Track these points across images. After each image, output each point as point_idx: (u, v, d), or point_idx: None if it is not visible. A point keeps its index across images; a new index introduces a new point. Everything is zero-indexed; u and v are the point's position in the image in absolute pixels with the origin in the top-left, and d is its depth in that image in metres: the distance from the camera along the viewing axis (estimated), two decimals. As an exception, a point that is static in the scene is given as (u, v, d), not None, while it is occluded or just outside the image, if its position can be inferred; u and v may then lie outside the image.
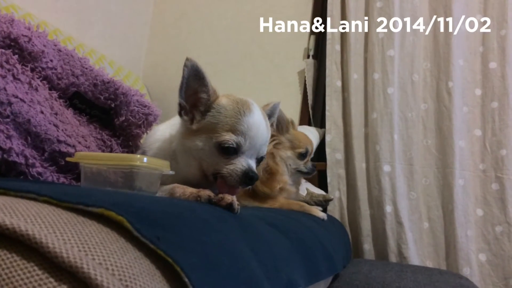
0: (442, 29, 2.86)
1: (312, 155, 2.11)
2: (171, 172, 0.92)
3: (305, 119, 3.22)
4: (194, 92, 1.09)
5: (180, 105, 1.10)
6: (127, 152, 1.24)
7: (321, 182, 2.93)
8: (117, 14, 3.32)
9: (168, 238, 0.54)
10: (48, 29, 2.35)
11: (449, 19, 2.82)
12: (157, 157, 1.13)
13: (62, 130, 0.98)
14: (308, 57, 3.24)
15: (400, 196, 2.72)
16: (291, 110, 3.25)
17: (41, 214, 0.50)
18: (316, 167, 2.06)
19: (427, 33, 2.90)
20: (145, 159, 0.80)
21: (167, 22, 3.72)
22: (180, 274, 0.50)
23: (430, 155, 2.78)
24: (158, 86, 3.36)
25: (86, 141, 1.05)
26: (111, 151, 1.18)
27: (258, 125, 1.09)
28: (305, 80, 3.19)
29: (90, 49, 2.73)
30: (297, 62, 3.32)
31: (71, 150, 0.99)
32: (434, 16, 2.90)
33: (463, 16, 2.84)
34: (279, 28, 3.39)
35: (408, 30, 2.90)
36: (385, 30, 2.90)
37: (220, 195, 0.97)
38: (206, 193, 0.95)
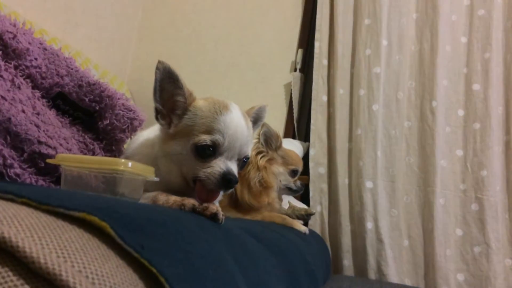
0: (428, 49, 2.89)
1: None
2: (156, 179, 0.89)
3: (289, 132, 3.21)
4: (171, 96, 1.06)
5: (156, 109, 1.07)
6: (110, 157, 1.21)
7: (304, 196, 2.91)
8: (105, 18, 3.28)
9: (153, 246, 0.51)
10: (33, 29, 2.30)
11: (435, 40, 2.86)
12: (139, 162, 1.10)
13: (44, 131, 0.95)
14: (295, 70, 3.23)
15: (381, 213, 2.72)
16: (276, 122, 3.23)
17: (18, 216, 0.47)
18: (304, 186, 2.06)
19: (412, 52, 2.93)
20: (129, 163, 0.77)
21: (155, 28, 3.69)
22: (164, 285, 0.47)
23: (412, 173, 2.79)
24: (143, 92, 3.32)
25: (67, 143, 1.02)
26: (93, 155, 1.14)
27: (237, 124, 1.04)
28: (291, 93, 3.19)
29: (75, 51, 2.68)
30: (284, 75, 3.31)
31: (51, 152, 0.95)
32: (421, 36, 2.93)
33: (449, 37, 2.88)
34: (267, 40, 3.39)
35: (395, 48, 2.92)
36: (372, 47, 2.92)
37: (205, 205, 0.94)
38: (190, 202, 0.92)
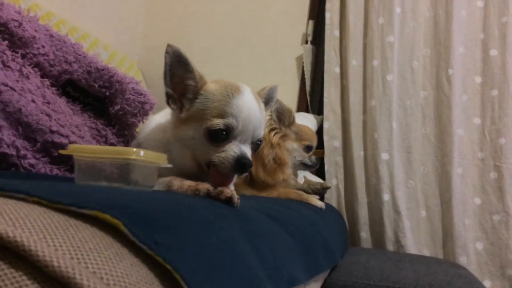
0: (443, 15, 2.81)
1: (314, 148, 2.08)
2: (169, 165, 0.88)
3: (302, 106, 3.18)
4: (181, 80, 1.04)
5: (167, 94, 1.05)
6: (123, 142, 1.21)
7: (319, 170, 2.89)
8: (111, -3, 3.24)
9: (167, 241, 0.51)
10: (40, 12, 2.29)
11: (450, 5, 2.77)
12: (152, 148, 1.09)
13: (55, 120, 0.94)
14: (307, 42, 3.18)
15: (398, 185, 2.70)
16: (289, 96, 3.21)
17: (30, 218, 0.46)
18: (319, 160, 2.04)
19: (427, 19, 2.85)
20: (141, 152, 0.76)
21: (162, 5, 3.64)
22: (180, 282, 0.46)
23: (428, 144, 2.75)
24: (154, 71, 3.30)
25: (80, 131, 1.01)
26: (106, 141, 1.14)
27: (249, 106, 1.02)
28: (303, 66, 3.14)
29: (83, 32, 2.66)
30: (295, 48, 3.26)
31: (64, 140, 0.95)
32: (435, 1, 2.84)
33: (465, 2, 2.79)
34: (277, 13, 3.33)
35: (409, 15, 2.84)
36: (385, 16, 2.84)
37: (219, 189, 0.94)
38: (204, 186, 0.92)
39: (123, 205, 0.54)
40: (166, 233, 0.53)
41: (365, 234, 2.77)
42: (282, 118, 1.95)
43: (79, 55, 1.08)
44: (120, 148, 0.82)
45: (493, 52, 2.71)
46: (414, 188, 2.72)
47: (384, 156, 2.74)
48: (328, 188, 2.49)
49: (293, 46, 3.27)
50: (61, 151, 0.82)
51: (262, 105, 1.12)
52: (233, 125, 0.99)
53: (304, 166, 2.06)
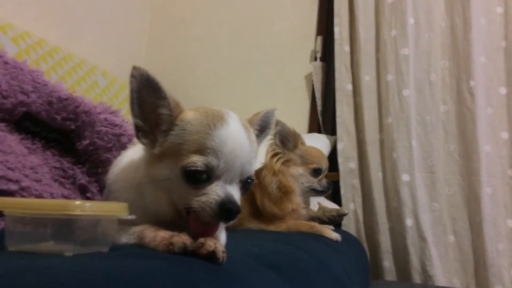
0: (460, 24, 2.63)
1: (326, 171, 1.89)
2: (131, 217, 0.71)
3: (314, 126, 3.01)
4: (153, 108, 0.87)
5: (136, 126, 0.88)
6: (96, 181, 1.03)
7: (334, 194, 2.72)
8: (111, 22, 3.14)
9: None
10: (30, 41, 2.17)
11: (468, 13, 2.59)
12: (121, 190, 0.92)
13: (2, 162, 0.77)
14: (316, 59, 3.06)
15: (422, 208, 2.51)
16: (299, 117, 3.08)
17: None
18: (332, 184, 1.84)
19: (443, 28, 2.68)
20: (87, 204, 0.59)
21: (165, 29, 3.54)
22: None
23: (453, 162, 2.57)
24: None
25: (36, 173, 0.85)
26: (74, 182, 0.97)
27: (235, 138, 0.84)
28: (313, 85, 3.02)
29: (80, 59, 2.54)
30: (304, 66, 3.13)
31: (13, 187, 0.78)
32: (451, 10, 2.67)
33: (483, 9, 2.61)
34: (283, 30, 3.20)
35: (423, 26, 2.67)
36: (398, 28, 2.67)
37: (200, 241, 0.76)
38: (180, 239, 0.74)
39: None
40: None
41: (388, 263, 2.56)
42: (285, 141, 1.80)
43: (38, 83, 0.92)
44: (59, 202, 0.64)
45: (518, 61, 2.52)
46: (439, 211, 2.52)
47: (405, 177, 2.56)
48: (345, 214, 2.33)
49: (301, 64, 3.15)
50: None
51: (253, 135, 0.93)
52: (213, 163, 0.81)
53: (315, 192, 1.86)
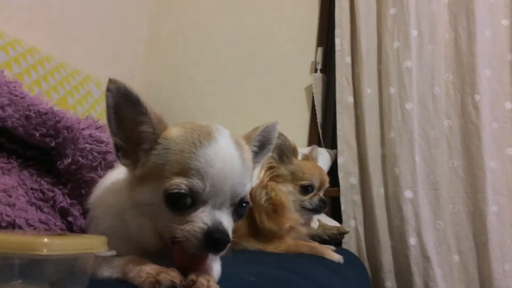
0: (464, 36, 2.57)
1: (324, 187, 1.79)
2: (110, 253, 0.62)
3: (314, 139, 2.93)
4: (133, 125, 0.78)
5: (115, 145, 0.79)
6: (79, 203, 0.94)
7: (335, 210, 2.64)
8: (107, 31, 3.07)
9: None
10: (21, 49, 2.10)
11: (472, 25, 2.53)
12: (102, 217, 0.83)
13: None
14: (316, 71, 2.98)
15: (425, 226, 2.43)
16: (299, 129, 3.00)
17: None
18: (326, 203, 1.75)
19: (447, 41, 2.62)
20: (57, 241, 0.50)
21: (162, 38, 3.47)
22: None
23: (457, 178, 2.49)
24: (155, 108, 3.10)
25: (9, 196, 0.76)
26: (53, 205, 0.88)
27: (224, 157, 0.75)
28: (313, 97, 2.94)
29: (73, 69, 2.47)
30: (304, 77, 3.05)
31: (-21, 213, 0.69)
32: (455, 22, 2.61)
33: (488, 21, 2.54)
34: (283, 40, 3.14)
35: (427, 38, 2.60)
36: (401, 39, 2.60)
37: (191, 278, 0.67)
38: (167, 277, 0.65)
39: None
40: None
41: (390, 283, 2.48)
42: (283, 156, 1.72)
43: (15, 96, 0.84)
44: (24, 240, 0.55)
45: (524, 74, 2.46)
46: (443, 229, 2.44)
47: (408, 193, 2.48)
48: (346, 232, 2.28)
49: (301, 75, 3.07)
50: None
51: (248, 153, 0.84)
52: (197, 187, 0.72)
53: (306, 210, 1.75)
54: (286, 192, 1.69)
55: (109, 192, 0.86)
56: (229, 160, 0.75)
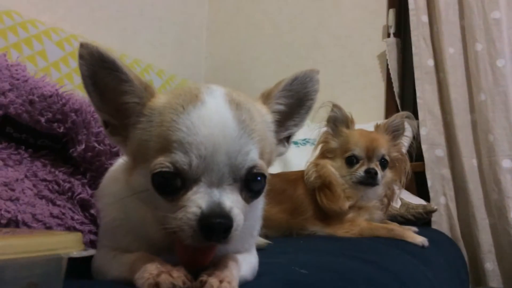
0: None
1: (375, 156, 1.56)
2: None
3: (391, 111, 2.68)
4: (117, 96, 0.64)
5: (104, 121, 0.66)
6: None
7: (420, 188, 2.43)
8: (167, 20, 3.06)
9: None
10: (78, 43, 2.09)
11: None
12: (106, 209, 0.73)
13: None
14: (389, 35, 2.79)
15: None
16: (374, 102, 2.80)
17: None
18: (372, 172, 1.53)
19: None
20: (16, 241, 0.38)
21: (223, 20, 3.40)
22: None
23: None
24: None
25: (13, 190, 0.68)
26: (72, 197, 0.79)
27: (212, 121, 0.59)
28: (387, 64, 2.73)
29: (133, 59, 2.47)
30: (376, 44, 2.85)
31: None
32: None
33: None
34: (350, 6, 2.94)
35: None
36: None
37: (201, 278, 0.54)
38: (168, 279, 0.53)
39: None
40: None
41: (490, 265, 2.25)
42: (333, 127, 1.62)
43: (17, 79, 0.75)
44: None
45: None
46: (552, 201, 2.11)
47: (506, 163, 2.25)
48: (433, 211, 2.12)
49: (373, 43, 2.87)
50: None
51: (258, 113, 0.67)
52: (181, 162, 0.57)
53: (359, 184, 1.57)
54: (334, 168, 1.60)
55: (111, 180, 0.75)
56: (219, 124, 0.59)
